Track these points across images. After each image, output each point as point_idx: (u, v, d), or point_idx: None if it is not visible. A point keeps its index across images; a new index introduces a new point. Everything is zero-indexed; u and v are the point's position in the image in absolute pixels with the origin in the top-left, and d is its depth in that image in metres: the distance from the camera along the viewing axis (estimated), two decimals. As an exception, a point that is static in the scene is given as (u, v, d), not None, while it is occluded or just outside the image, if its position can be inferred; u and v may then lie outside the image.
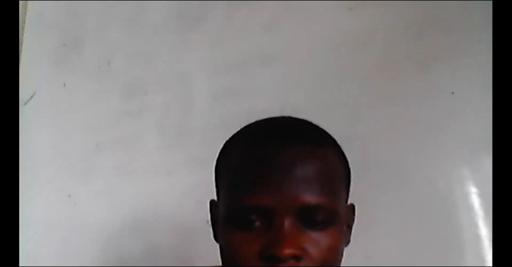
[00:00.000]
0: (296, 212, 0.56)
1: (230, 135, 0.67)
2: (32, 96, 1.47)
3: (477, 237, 0.87)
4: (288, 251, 0.55)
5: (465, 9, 0.94)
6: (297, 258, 0.56)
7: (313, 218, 0.57)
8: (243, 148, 0.62)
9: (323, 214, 0.57)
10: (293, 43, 1.11)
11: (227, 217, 0.60)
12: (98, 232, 1.26)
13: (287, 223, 0.56)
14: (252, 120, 0.67)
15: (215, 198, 0.67)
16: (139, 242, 1.20)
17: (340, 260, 0.61)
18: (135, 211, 1.22)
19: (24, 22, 1.55)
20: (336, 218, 0.59)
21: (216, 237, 0.66)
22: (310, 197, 0.56)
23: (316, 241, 0.57)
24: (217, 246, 0.63)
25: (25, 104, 1.46)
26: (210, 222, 0.68)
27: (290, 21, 1.12)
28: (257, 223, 0.57)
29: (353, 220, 0.68)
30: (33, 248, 1.32)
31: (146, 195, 1.21)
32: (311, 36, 1.09)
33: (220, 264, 0.63)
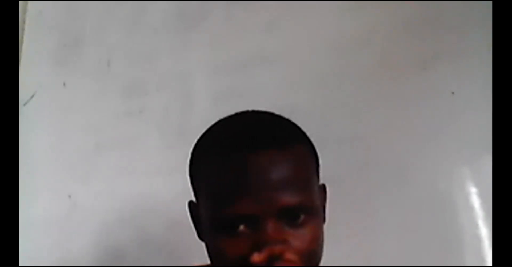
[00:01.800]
0: (277, 214, 0.58)
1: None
2: (32, 96, 1.47)
3: (477, 237, 0.87)
4: (273, 250, 0.56)
5: (465, 9, 0.94)
6: (281, 253, 0.57)
7: (294, 216, 0.59)
8: (215, 155, 0.62)
9: (303, 211, 0.59)
10: (293, 43, 1.11)
11: (211, 225, 0.61)
12: (98, 232, 1.26)
13: (270, 225, 0.58)
14: (252, 120, 0.66)
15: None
16: (139, 241, 1.20)
17: (322, 244, 0.63)
18: (135, 211, 1.22)
19: (24, 22, 1.55)
20: (315, 211, 0.62)
21: (200, 237, 0.67)
22: (289, 198, 0.58)
23: (298, 236, 0.59)
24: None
25: (25, 104, 1.46)
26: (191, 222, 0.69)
27: (290, 21, 1.12)
28: (242, 228, 0.58)
29: (325, 199, 0.69)
30: (33, 248, 1.32)
31: (146, 195, 1.21)
32: (311, 36, 1.09)
33: None
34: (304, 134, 0.66)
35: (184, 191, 1.16)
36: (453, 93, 0.93)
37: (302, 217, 0.59)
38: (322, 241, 0.63)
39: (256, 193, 0.58)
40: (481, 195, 0.88)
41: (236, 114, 0.67)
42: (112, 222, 1.24)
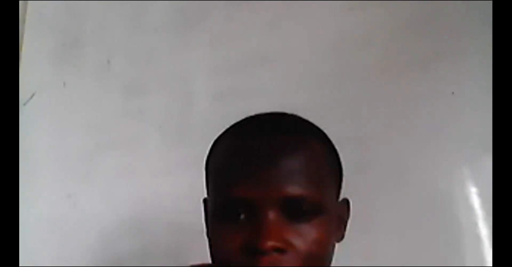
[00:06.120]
0: (280, 204, 0.55)
1: None
2: (32, 96, 1.47)
3: (477, 237, 0.87)
4: (269, 243, 0.54)
5: (465, 9, 0.94)
6: (280, 250, 0.55)
7: (298, 209, 0.56)
8: (228, 142, 0.62)
9: (308, 205, 0.56)
10: (294, 43, 1.11)
11: (214, 211, 0.60)
12: (98, 232, 1.25)
13: (271, 215, 0.55)
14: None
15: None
16: (139, 242, 1.20)
17: (331, 255, 0.60)
18: (135, 211, 1.22)
19: (24, 22, 1.55)
20: (322, 210, 0.58)
21: (208, 235, 0.65)
22: (294, 188, 0.56)
23: (301, 233, 0.56)
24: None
25: (25, 104, 1.46)
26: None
27: (290, 21, 1.12)
28: (242, 216, 0.56)
29: (347, 215, 0.66)
30: (33, 248, 1.32)
31: (146, 195, 1.21)
32: (311, 36, 1.09)
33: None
34: (328, 141, 0.64)
35: (183, 190, 1.16)
36: (453, 93, 0.93)
37: (306, 212, 0.56)
38: (331, 249, 0.60)
39: (258, 177, 0.55)
40: (481, 195, 0.88)
41: (260, 113, 0.66)
42: (112, 222, 1.24)
